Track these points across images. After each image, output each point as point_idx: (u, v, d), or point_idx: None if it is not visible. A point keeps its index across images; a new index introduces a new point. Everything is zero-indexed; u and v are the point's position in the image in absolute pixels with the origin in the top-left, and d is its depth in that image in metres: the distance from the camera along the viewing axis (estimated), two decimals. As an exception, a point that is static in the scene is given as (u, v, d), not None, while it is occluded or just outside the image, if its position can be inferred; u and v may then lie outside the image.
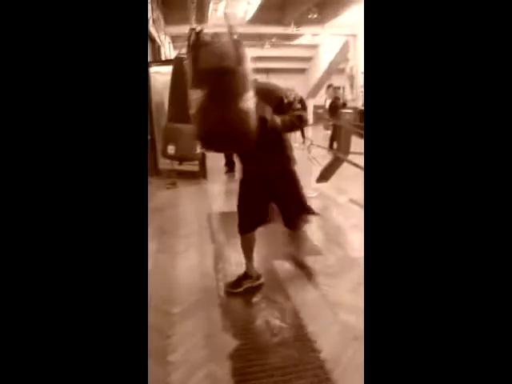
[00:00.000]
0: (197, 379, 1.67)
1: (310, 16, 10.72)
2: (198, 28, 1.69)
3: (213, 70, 1.60)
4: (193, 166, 5.90)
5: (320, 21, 11.74)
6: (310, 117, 9.58)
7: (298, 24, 11.99)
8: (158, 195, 4.94)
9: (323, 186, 4.80)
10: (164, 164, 5.83)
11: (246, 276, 2.46)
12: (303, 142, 8.31)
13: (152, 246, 3.11)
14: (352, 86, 14.43)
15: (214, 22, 10.31)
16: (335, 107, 8.36)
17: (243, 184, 2.35)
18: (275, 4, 11.11)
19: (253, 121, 1.66)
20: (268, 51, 15.97)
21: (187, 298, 2.36)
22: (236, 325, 2.08)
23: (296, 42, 15.93)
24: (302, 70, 18.61)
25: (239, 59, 1.61)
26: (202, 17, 10.78)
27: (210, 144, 1.86)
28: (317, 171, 4.80)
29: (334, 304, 2.23)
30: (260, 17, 11.29)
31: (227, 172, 6.12)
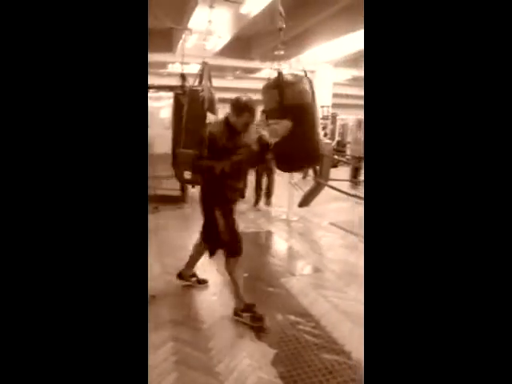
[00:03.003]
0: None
1: (276, 52, 11.40)
2: (280, 69, 2.00)
3: (296, 106, 1.95)
4: (174, 192, 6.01)
5: (283, 57, 12.50)
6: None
7: (263, 59, 12.67)
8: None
9: (302, 210, 5.14)
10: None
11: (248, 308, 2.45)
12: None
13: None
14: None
15: (183, 53, 10.68)
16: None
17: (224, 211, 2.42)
18: (244, 40, 11.72)
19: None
20: (231, 82, 16.56)
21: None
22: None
23: (257, 75, 16.66)
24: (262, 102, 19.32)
25: (313, 96, 1.95)
26: (170, 47, 11.12)
27: (289, 165, 2.16)
28: (298, 196, 5.13)
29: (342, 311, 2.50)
30: (228, 50, 11.83)
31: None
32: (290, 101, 1.97)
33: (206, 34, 10.76)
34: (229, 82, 16.55)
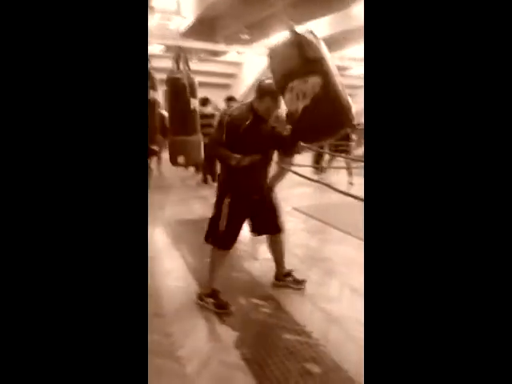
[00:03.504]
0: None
1: (241, 36, 11.29)
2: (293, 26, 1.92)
3: (318, 59, 1.94)
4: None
5: (249, 41, 12.39)
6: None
7: (228, 42, 12.50)
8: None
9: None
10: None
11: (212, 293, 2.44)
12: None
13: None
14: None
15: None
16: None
17: (233, 203, 2.32)
18: (208, 22, 11.47)
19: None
20: (195, 65, 16.23)
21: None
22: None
23: (222, 58, 16.43)
24: (226, 86, 19.14)
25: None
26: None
27: (320, 133, 2.09)
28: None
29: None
30: (191, 32, 11.55)
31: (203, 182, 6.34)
32: (313, 54, 1.88)
33: (170, 13, 10.47)
34: (193, 64, 16.20)
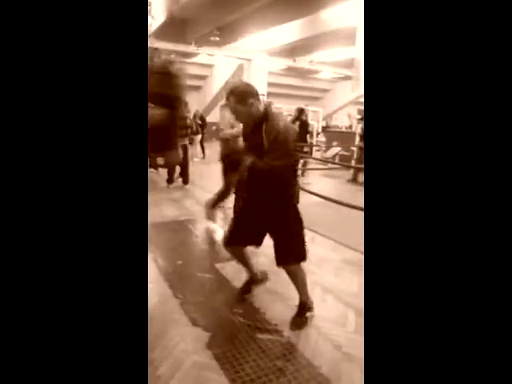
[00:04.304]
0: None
1: (212, 38, 11.27)
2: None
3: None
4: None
5: (219, 43, 12.39)
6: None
7: (199, 44, 12.45)
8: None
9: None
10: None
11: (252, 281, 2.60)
12: (203, 157, 9.93)
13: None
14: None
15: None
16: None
17: (246, 201, 2.33)
18: (178, 23, 11.39)
19: None
20: (165, 66, 16.06)
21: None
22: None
23: (193, 60, 16.33)
24: (198, 88, 19.05)
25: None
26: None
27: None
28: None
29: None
30: (162, 33, 11.42)
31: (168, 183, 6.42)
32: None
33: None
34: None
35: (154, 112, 1.78)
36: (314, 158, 7.06)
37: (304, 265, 3.10)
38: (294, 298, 2.54)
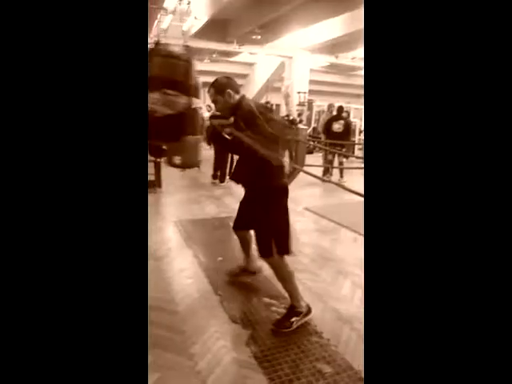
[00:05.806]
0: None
1: (253, 37, 11.31)
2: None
3: None
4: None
5: (260, 41, 12.41)
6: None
7: (241, 43, 12.54)
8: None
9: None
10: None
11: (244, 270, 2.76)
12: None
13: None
14: (287, 103, 15.32)
15: (156, 33, 10.45)
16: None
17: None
18: (220, 22, 11.53)
19: None
20: (208, 66, 16.32)
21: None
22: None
23: (235, 59, 16.50)
24: (239, 86, 19.23)
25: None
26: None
27: None
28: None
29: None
30: (204, 33, 11.62)
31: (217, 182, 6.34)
32: None
33: (182, 14, 10.54)
34: (205, 65, 16.30)
35: (179, 100, 2.03)
36: (357, 157, 6.88)
37: (344, 265, 3.06)
38: (335, 298, 2.51)
